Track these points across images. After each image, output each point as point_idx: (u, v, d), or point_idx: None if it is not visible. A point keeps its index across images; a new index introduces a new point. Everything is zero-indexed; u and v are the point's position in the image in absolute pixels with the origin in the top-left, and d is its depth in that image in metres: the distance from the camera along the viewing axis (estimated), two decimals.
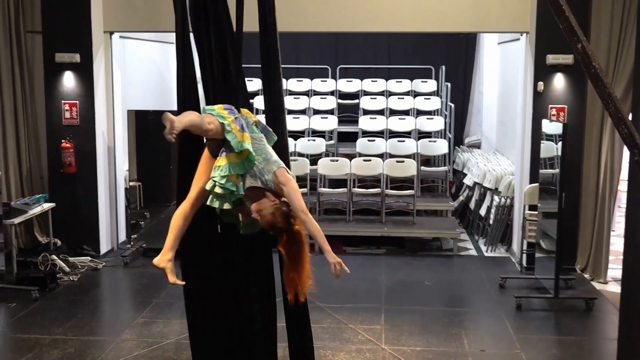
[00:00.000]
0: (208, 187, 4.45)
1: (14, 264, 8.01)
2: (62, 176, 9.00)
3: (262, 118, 5.17)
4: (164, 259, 4.61)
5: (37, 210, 8.38)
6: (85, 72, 8.95)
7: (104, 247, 9.29)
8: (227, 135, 4.38)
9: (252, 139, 4.53)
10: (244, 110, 4.75)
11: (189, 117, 4.40)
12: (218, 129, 4.40)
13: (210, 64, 4.89)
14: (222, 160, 4.44)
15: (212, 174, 4.46)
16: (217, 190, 4.41)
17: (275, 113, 5.15)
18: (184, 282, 4.84)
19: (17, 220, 8.05)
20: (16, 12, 8.75)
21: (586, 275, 8.52)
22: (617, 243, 9.11)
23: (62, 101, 8.99)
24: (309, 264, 4.52)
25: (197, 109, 4.80)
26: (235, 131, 4.40)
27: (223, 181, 4.38)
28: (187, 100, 4.94)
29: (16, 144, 8.82)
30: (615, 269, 8.41)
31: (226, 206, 4.48)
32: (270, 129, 4.87)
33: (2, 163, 8.36)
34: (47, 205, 8.54)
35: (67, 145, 8.93)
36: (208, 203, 4.49)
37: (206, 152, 4.63)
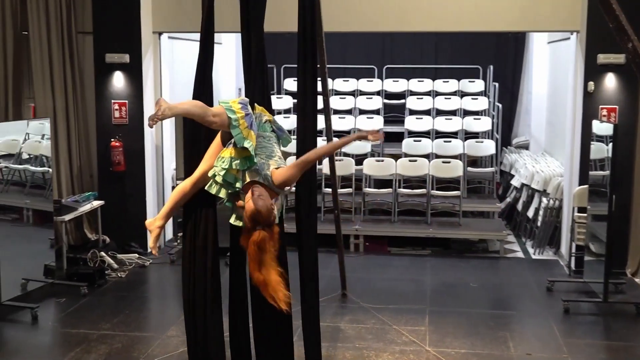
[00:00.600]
0: (210, 174, 4.53)
1: (64, 260, 8.20)
2: (111, 174, 9.16)
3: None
4: (155, 224, 4.83)
5: (86, 207, 8.55)
6: (134, 72, 9.10)
7: None
8: (233, 130, 4.36)
9: (261, 137, 4.55)
10: (259, 108, 4.75)
11: (184, 107, 4.42)
12: (224, 122, 4.39)
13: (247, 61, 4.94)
14: (226, 152, 4.46)
15: (215, 162, 4.52)
16: (217, 179, 4.48)
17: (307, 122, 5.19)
18: (156, 253, 4.96)
19: (67, 217, 8.22)
20: (68, 14, 8.92)
21: (637, 280, 8.33)
22: None
23: (112, 101, 9.15)
24: (277, 273, 4.18)
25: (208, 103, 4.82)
26: (242, 127, 4.39)
27: (222, 173, 4.42)
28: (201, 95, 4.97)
29: (67, 143, 9.00)
30: None
31: (222, 194, 4.53)
32: (286, 131, 4.90)
33: (54, 161, 8.54)
34: (96, 203, 8.71)
35: (117, 144, 9.08)
36: (206, 188, 4.57)
37: (218, 138, 4.68)
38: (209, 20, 4.96)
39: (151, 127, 4.27)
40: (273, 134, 4.71)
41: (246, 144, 4.36)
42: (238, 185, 4.45)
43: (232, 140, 4.44)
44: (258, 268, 4.13)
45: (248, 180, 4.42)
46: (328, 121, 7.11)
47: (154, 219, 4.83)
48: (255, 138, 4.47)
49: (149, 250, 4.74)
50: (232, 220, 4.66)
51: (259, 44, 4.99)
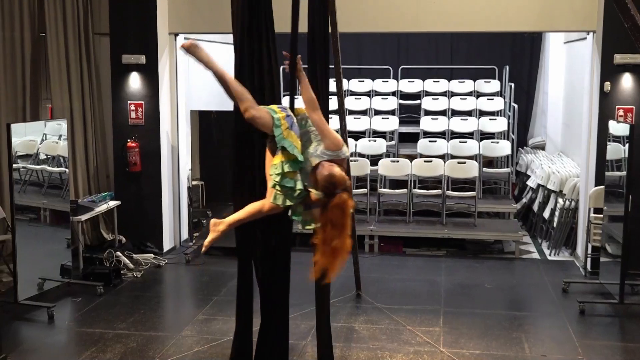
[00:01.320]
0: (269, 185, 4.47)
1: (80, 260, 8.25)
2: (128, 175, 9.20)
3: None
4: (218, 227, 4.67)
5: (103, 207, 8.60)
6: (150, 73, 9.14)
7: (167, 245, 9.46)
8: (275, 130, 4.38)
9: (307, 132, 4.52)
10: (298, 109, 4.74)
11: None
12: (267, 122, 4.41)
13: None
14: (277, 159, 4.45)
15: (269, 171, 4.48)
16: (277, 188, 4.42)
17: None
18: (205, 249, 4.88)
19: (84, 217, 8.28)
20: (85, 15, 8.98)
21: None
22: None
23: (128, 101, 9.20)
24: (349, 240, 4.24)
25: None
26: (284, 128, 4.41)
27: (278, 178, 4.39)
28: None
29: (84, 143, 9.06)
30: None
31: (288, 202, 4.43)
32: None
33: (70, 162, 8.59)
34: (112, 203, 8.76)
35: (133, 144, 9.13)
36: (272, 201, 4.45)
37: (268, 154, 4.63)
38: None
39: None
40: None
41: (286, 144, 4.36)
42: (299, 186, 4.40)
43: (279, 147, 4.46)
44: (339, 234, 4.12)
45: (313, 164, 4.38)
46: (343, 121, 7.09)
47: (220, 221, 4.67)
48: (300, 136, 4.49)
49: (203, 246, 4.67)
50: (300, 227, 4.64)
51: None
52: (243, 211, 4.61)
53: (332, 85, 6.64)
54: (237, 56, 5.04)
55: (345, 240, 4.16)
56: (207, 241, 4.68)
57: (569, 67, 11.93)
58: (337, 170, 4.22)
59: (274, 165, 4.45)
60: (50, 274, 7.79)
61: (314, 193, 4.24)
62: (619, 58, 8.29)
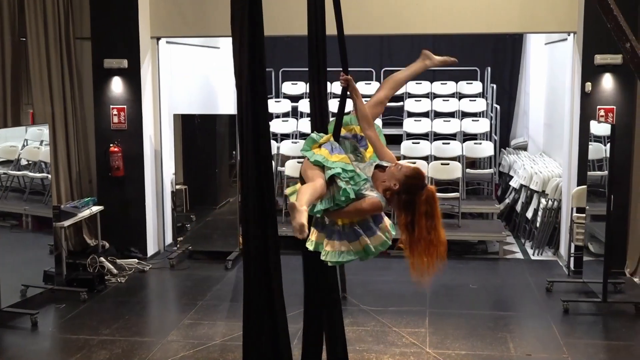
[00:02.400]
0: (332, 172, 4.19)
1: (64, 266, 8.18)
2: (110, 180, 9.14)
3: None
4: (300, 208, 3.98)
5: (86, 213, 8.53)
6: (132, 77, 9.08)
7: (151, 250, 9.40)
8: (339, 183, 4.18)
9: (354, 153, 4.49)
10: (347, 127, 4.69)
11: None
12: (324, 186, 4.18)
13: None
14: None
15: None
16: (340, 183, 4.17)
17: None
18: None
19: (66, 223, 8.20)
20: (66, 20, 8.91)
21: (636, 279, 8.32)
22: None
23: (110, 106, 9.14)
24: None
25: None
26: (334, 159, 4.31)
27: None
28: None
29: (66, 148, 8.98)
30: None
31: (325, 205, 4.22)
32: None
33: (53, 167, 8.51)
34: (95, 209, 8.69)
35: (115, 149, 9.07)
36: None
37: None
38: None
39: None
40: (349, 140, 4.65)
41: (341, 185, 4.15)
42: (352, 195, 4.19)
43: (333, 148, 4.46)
44: (434, 226, 4.07)
45: (370, 173, 4.26)
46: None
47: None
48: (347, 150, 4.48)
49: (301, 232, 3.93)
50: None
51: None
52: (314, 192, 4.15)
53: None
54: (236, 61, 4.97)
55: (441, 232, 4.12)
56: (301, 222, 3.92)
57: (550, 68, 12.00)
58: (412, 166, 4.17)
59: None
60: (33, 280, 7.72)
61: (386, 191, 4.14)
62: (599, 59, 8.34)
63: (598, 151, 7.84)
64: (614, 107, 8.38)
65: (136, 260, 8.98)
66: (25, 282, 7.58)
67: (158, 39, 9.43)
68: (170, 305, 7.97)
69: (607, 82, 8.39)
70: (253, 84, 4.84)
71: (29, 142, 8.59)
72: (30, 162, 8.59)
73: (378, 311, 7.27)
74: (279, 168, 10.65)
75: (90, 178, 9.38)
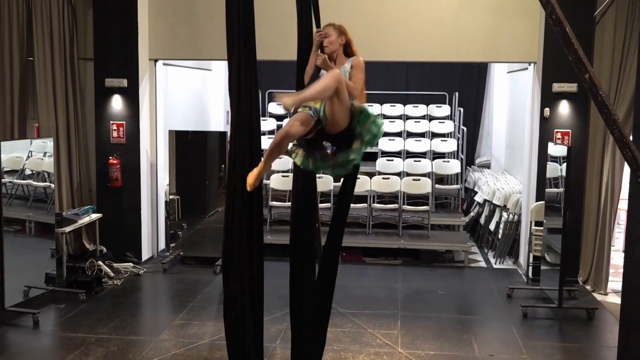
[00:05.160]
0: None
1: (64, 269, 8.08)
2: (109, 189, 9.06)
3: None
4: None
5: (85, 220, 8.45)
6: (131, 96, 9.03)
7: (145, 255, 9.32)
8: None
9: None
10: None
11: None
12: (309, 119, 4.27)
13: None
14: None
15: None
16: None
17: None
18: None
19: (67, 229, 8.12)
20: (71, 41, 8.85)
21: (588, 287, 8.38)
22: (616, 257, 8.97)
23: (110, 122, 9.08)
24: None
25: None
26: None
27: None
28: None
29: (68, 160, 8.90)
30: (615, 282, 8.26)
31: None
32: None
33: (55, 177, 8.43)
34: (94, 216, 8.61)
35: (114, 161, 9.00)
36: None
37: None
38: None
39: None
40: None
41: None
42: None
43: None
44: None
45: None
46: None
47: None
48: None
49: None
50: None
51: None
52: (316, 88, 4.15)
53: None
54: (232, 85, 4.95)
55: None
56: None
57: (511, 94, 12.11)
58: None
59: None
60: (35, 282, 7.61)
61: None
62: (557, 87, 8.43)
63: (555, 170, 7.91)
64: (570, 130, 8.47)
65: (131, 264, 8.89)
66: (28, 283, 7.48)
67: (156, 60, 9.39)
68: (162, 306, 7.90)
69: (564, 108, 8.48)
70: (248, 103, 4.84)
71: (33, 154, 8.51)
72: (34, 172, 8.50)
73: (354, 314, 7.25)
74: (265, 181, 10.63)
75: (90, 188, 9.29)
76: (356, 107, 4.34)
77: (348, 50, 4.66)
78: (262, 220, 5.14)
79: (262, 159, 4.34)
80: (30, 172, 8.48)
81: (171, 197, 9.65)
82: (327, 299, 5.09)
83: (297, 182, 5.18)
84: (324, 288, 5.06)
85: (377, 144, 11.36)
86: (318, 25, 5.02)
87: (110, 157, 9.03)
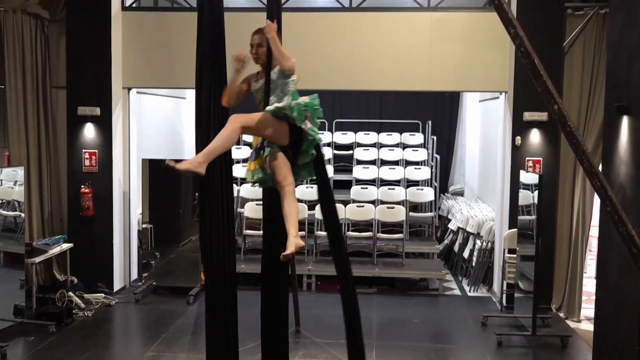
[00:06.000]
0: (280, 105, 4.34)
1: (34, 300, 7.93)
2: (81, 219, 8.95)
3: None
4: (197, 160, 4.08)
5: (56, 250, 8.32)
6: (104, 124, 8.98)
7: (117, 285, 9.19)
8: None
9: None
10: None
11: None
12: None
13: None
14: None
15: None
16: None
17: None
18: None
19: (37, 259, 7.98)
20: (43, 69, 8.80)
21: (561, 314, 8.43)
22: (589, 284, 9.06)
23: (83, 150, 9.00)
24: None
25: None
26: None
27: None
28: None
29: (39, 189, 8.79)
30: (588, 309, 8.33)
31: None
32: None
33: (26, 206, 8.31)
34: (65, 246, 8.48)
35: (86, 190, 8.91)
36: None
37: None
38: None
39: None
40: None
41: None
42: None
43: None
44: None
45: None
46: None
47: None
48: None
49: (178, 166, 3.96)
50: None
51: None
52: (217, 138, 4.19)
53: None
54: (197, 109, 4.97)
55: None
56: (184, 166, 4.02)
57: (483, 123, 12.26)
58: None
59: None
60: (4, 314, 7.46)
61: None
62: (527, 115, 8.55)
63: (527, 198, 7.99)
64: (541, 158, 8.58)
65: (103, 295, 8.75)
66: None
67: (129, 89, 9.36)
68: (134, 338, 7.77)
69: (535, 136, 8.60)
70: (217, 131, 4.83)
71: (3, 182, 8.38)
72: (4, 200, 8.36)
73: (330, 344, 7.19)
74: (239, 209, 10.58)
75: (62, 217, 9.17)
76: (286, 108, 4.29)
77: None
78: (234, 249, 5.13)
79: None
80: (0, 202, 8.34)
81: (144, 226, 9.55)
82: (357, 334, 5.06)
83: (268, 211, 5.17)
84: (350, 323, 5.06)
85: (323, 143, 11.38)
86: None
87: (82, 186, 8.93)
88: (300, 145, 4.41)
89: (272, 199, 4.84)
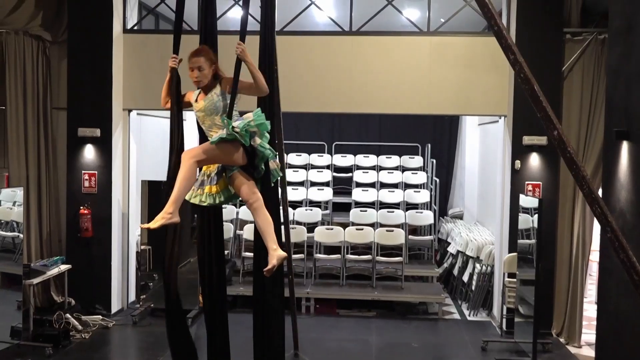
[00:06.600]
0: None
1: (31, 322, 7.87)
2: (79, 240, 8.93)
3: None
4: (168, 211, 4.25)
5: (54, 271, 8.28)
6: (104, 146, 9.00)
7: (115, 307, 9.14)
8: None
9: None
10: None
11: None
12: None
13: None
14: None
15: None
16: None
17: None
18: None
19: (35, 280, 7.94)
20: (44, 90, 8.83)
21: (562, 340, 8.38)
22: (589, 309, 9.02)
23: (82, 171, 9.01)
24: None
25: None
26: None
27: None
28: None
29: (38, 210, 8.77)
30: (588, 334, 8.29)
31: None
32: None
33: (25, 227, 8.29)
34: (63, 267, 8.45)
35: (85, 211, 8.90)
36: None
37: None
38: (178, 100, 4.87)
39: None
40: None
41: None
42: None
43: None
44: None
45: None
46: (284, 193, 7.08)
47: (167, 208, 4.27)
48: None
49: (151, 224, 4.16)
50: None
51: None
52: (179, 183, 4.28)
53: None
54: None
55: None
56: (158, 223, 4.22)
57: (483, 146, 12.28)
58: None
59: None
60: (0, 335, 7.39)
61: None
62: (527, 139, 8.57)
63: (526, 222, 7.99)
64: (540, 182, 8.58)
65: (100, 316, 8.71)
66: None
67: (129, 110, 9.39)
68: None
69: (534, 160, 8.61)
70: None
71: (2, 203, 8.35)
72: (2, 221, 8.32)
73: None
74: (238, 231, 10.56)
75: (60, 238, 9.15)
76: (234, 132, 4.34)
77: (216, 73, 4.52)
78: (224, 272, 5.17)
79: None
80: None
81: (143, 247, 9.53)
82: None
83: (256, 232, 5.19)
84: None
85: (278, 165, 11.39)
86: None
87: (81, 207, 8.92)
88: (254, 160, 4.49)
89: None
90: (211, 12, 5.06)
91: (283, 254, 4.30)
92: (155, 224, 4.11)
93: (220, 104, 4.44)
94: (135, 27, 9.50)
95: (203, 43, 4.96)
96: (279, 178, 4.86)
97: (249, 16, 4.88)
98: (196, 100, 4.58)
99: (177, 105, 4.77)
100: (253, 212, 4.43)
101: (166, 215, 4.14)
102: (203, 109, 4.49)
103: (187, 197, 4.52)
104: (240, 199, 4.62)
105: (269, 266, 4.25)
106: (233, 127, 4.30)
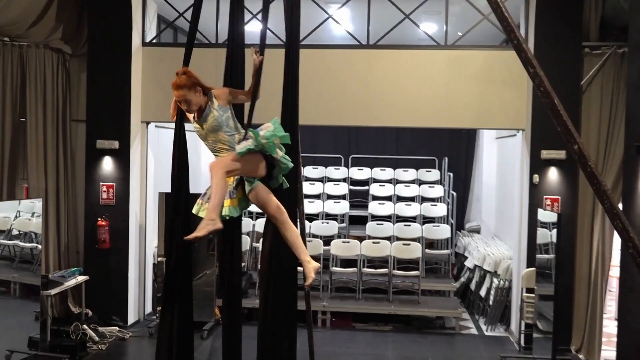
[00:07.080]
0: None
1: (48, 333, 7.91)
2: (97, 251, 8.98)
3: None
4: (211, 217, 4.14)
5: (72, 282, 8.33)
6: (122, 158, 9.07)
7: (132, 318, 9.17)
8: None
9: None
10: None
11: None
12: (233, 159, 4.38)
13: None
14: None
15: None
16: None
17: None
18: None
19: (53, 291, 7.99)
20: (64, 103, 8.93)
21: (581, 356, 8.27)
22: (609, 325, 8.90)
23: (100, 183, 9.08)
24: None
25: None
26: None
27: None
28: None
29: (56, 221, 8.84)
30: (608, 350, 8.17)
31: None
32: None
33: (43, 238, 8.35)
34: (81, 278, 8.49)
35: (103, 223, 8.96)
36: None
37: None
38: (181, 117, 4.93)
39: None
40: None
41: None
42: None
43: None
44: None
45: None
46: (301, 205, 7.06)
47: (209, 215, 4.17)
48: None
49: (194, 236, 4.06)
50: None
51: None
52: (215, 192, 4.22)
53: None
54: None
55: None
56: (203, 232, 4.10)
57: (500, 160, 12.23)
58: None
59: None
60: (18, 346, 7.43)
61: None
62: (545, 154, 8.52)
63: (545, 236, 7.92)
64: (559, 197, 8.51)
65: (117, 328, 8.74)
66: (10, 347, 7.29)
67: (147, 123, 9.47)
68: None
69: (553, 174, 8.55)
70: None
71: (21, 214, 8.43)
72: (21, 232, 8.41)
73: None
74: (254, 244, 10.57)
75: (78, 249, 9.20)
76: (262, 143, 4.35)
77: (204, 90, 4.49)
78: (240, 286, 5.19)
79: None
80: (17, 233, 8.39)
81: (159, 259, 9.55)
82: None
83: (265, 246, 5.21)
84: None
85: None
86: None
87: (99, 219, 8.98)
88: (272, 171, 4.52)
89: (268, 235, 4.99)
90: (239, 23, 5.08)
91: (317, 264, 4.32)
92: (200, 232, 4.08)
93: (223, 118, 4.44)
94: (154, 40, 9.59)
95: (230, 54, 4.98)
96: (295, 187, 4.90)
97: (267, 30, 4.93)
98: (194, 119, 4.54)
99: (181, 121, 4.84)
100: (280, 225, 4.43)
101: (209, 222, 4.10)
102: (208, 127, 4.45)
103: (194, 211, 4.55)
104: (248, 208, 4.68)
105: (309, 281, 4.28)
106: (260, 137, 4.31)
